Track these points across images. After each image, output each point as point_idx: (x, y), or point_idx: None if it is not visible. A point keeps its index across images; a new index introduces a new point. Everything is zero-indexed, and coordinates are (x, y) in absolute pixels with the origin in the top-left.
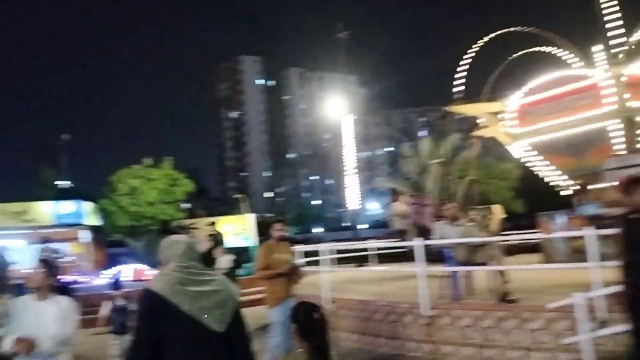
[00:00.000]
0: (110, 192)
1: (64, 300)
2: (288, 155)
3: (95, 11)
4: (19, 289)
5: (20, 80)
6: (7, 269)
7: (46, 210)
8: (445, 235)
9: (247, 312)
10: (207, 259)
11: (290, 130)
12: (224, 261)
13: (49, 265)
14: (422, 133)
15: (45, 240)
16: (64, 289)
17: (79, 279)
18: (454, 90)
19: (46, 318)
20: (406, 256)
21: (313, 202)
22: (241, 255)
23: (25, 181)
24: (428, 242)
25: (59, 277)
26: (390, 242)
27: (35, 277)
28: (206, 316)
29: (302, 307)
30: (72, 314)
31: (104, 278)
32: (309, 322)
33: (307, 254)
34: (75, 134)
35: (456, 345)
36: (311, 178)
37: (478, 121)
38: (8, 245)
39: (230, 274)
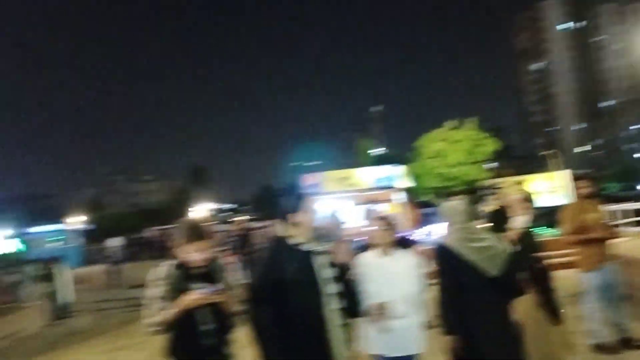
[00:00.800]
0: (418, 155)
1: (407, 255)
2: (603, 104)
3: None
4: (359, 246)
5: (339, 60)
6: (340, 227)
7: (365, 175)
8: None
9: (557, 276)
10: (499, 218)
11: (603, 76)
12: (519, 221)
13: (388, 221)
14: None
15: (370, 201)
16: (406, 243)
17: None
18: None
19: (392, 274)
20: None
21: (637, 155)
22: (552, 215)
23: (347, 151)
24: None
25: (397, 232)
26: None
27: (377, 234)
28: (484, 265)
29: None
30: (418, 268)
31: (418, 235)
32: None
33: (637, 212)
34: (385, 104)
35: None
36: (633, 127)
37: None
38: (338, 207)
39: (525, 234)
